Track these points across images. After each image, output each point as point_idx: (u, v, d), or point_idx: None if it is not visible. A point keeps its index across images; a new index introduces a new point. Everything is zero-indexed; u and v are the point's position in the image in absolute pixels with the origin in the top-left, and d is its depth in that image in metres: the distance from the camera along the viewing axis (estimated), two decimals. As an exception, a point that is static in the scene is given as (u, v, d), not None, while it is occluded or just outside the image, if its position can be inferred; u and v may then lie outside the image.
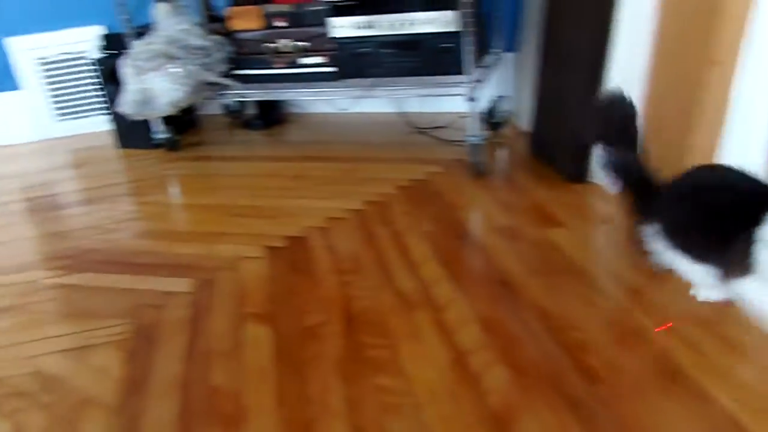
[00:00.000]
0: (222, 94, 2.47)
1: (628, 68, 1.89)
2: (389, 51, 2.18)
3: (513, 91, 2.60)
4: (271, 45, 2.32)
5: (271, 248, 1.83)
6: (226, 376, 1.34)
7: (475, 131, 2.08)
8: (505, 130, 2.54)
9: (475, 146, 2.09)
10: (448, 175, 2.18)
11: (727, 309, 1.36)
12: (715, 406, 1.12)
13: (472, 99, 2.06)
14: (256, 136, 2.82)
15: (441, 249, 1.73)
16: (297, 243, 1.84)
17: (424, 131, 2.59)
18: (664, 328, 1.35)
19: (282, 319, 1.50)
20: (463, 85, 2.07)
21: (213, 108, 3.10)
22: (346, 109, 2.86)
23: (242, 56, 2.41)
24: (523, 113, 2.47)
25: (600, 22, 1.86)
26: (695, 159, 1.69)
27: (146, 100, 2.31)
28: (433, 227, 1.84)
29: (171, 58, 2.30)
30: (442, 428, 1.14)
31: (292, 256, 1.78)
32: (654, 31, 1.82)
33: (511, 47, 2.57)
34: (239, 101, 2.93)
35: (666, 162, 1.81)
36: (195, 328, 1.51)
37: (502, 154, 2.35)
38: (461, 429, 1.13)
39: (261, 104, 2.87)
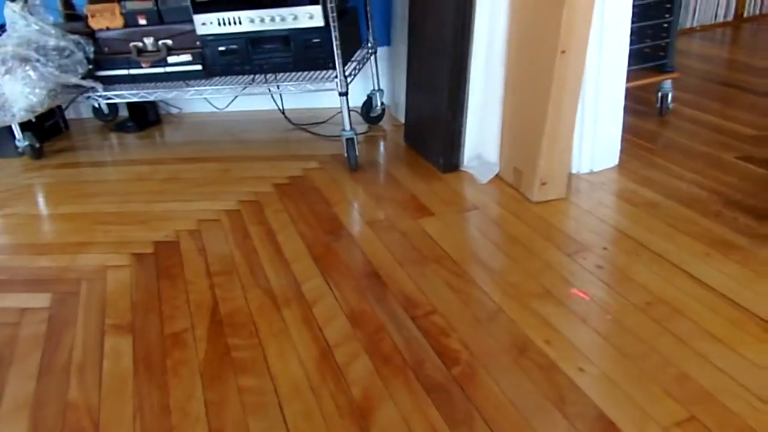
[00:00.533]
0: (87, 97, 2.35)
1: (488, 59, 1.96)
2: (258, 47, 2.15)
3: (389, 85, 2.63)
4: (135, 44, 2.23)
5: (139, 255, 1.76)
6: (82, 390, 1.27)
7: (348, 126, 2.09)
8: (382, 124, 2.56)
9: (349, 141, 2.10)
10: (325, 171, 2.18)
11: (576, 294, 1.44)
12: (561, 376, 1.19)
13: (344, 93, 2.06)
14: (128, 139, 2.70)
15: (314, 245, 1.72)
16: (166, 248, 1.78)
17: (303, 128, 2.58)
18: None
19: (145, 328, 1.45)
20: (334, 79, 2.07)
21: (82, 111, 2.95)
22: (222, 108, 2.80)
23: (105, 56, 2.30)
24: (399, 106, 2.51)
25: (459, 15, 1.91)
26: (550, 144, 1.78)
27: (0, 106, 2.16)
28: (308, 224, 1.84)
29: (25, 60, 2.16)
30: (304, 424, 1.14)
31: (160, 262, 1.72)
32: (509, 23, 1.90)
33: (384, 41, 2.60)
34: (109, 104, 2.80)
35: (524, 147, 1.90)
36: (51, 344, 1.43)
37: (378, 148, 2.37)
38: (323, 423, 1.13)
39: (132, 106, 2.75)
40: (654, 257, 1.54)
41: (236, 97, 2.78)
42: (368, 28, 2.42)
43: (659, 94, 2.38)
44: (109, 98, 2.34)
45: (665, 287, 1.42)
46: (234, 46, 2.16)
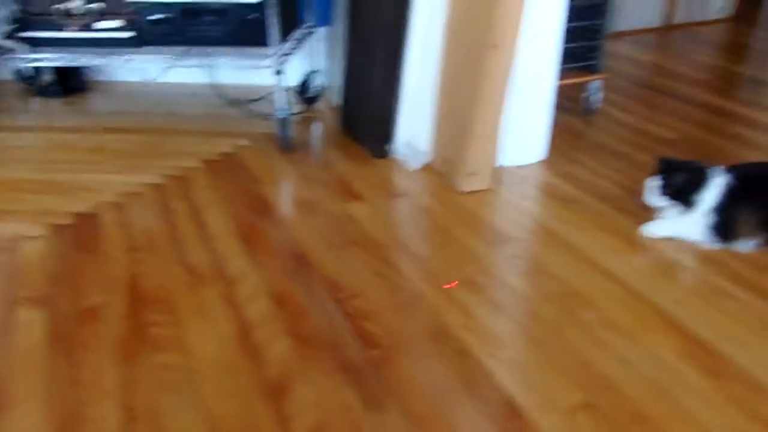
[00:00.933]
0: (8, 59, 2.23)
1: (424, 49, 1.98)
2: (193, 19, 2.10)
3: (326, 66, 2.62)
4: (62, 6, 2.13)
5: (57, 226, 1.70)
6: (-12, 365, 1.23)
7: (282, 105, 2.08)
8: (319, 105, 2.56)
9: (283, 120, 2.09)
10: (257, 150, 2.16)
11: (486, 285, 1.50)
12: (473, 361, 1.23)
13: (279, 72, 2.04)
14: (52, 104, 2.59)
15: (240, 223, 1.71)
16: (86, 220, 1.73)
17: (237, 104, 2.54)
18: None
19: (60, 301, 1.41)
20: (269, 57, 2.05)
21: (3, 73, 2.80)
22: (154, 78, 2.72)
23: (30, 17, 2.19)
24: (336, 88, 2.50)
25: (398, 3, 1.92)
26: (478, 136, 1.82)
27: None
28: (235, 201, 1.82)
29: (-61, 13, 2.03)
30: (218, 401, 1.14)
31: (79, 234, 1.67)
32: (446, 15, 1.92)
33: (324, 21, 2.58)
34: (33, 66, 2.67)
35: (454, 137, 1.94)
36: (-43, 316, 1.37)
37: (313, 129, 2.37)
38: (237, 401, 1.14)
39: (58, 70, 2.64)
40: (568, 249, 1.61)
41: (169, 68, 2.71)
42: (308, 7, 2.40)
43: (586, 94, 2.47)
44: (34, 61, 2.24)
45: (576, 278, 1.49)
46: (168, 16, 2.10)
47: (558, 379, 1.19)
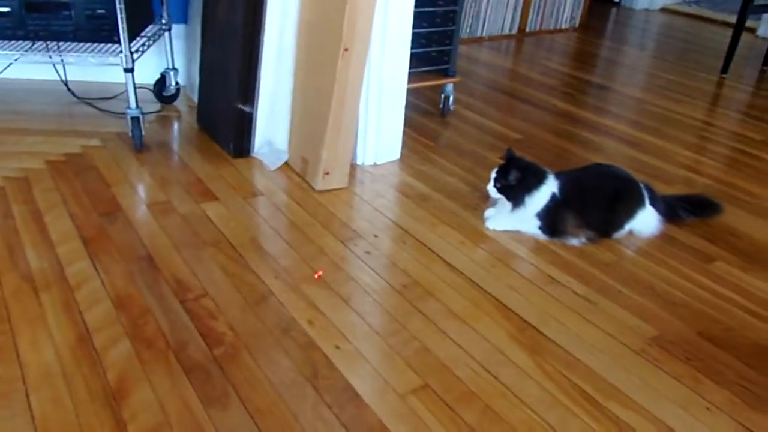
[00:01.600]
0: None
1: (280, 49, 2.00)
2: (34, 12, 1.98)
3: (185, 64, 2.57)
4: None
5: None
6: None
7: (133, 104, 2.01)
8: (177, 104, 2.50)
9: (134, 119, 2.03)
10: (107, 150, 2.08)
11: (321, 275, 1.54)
12: (318, 354, 1.27)
13: (128, 70, 1.98)
14: None
15: (85, 227, 1.65)
16: None
17: (87, 102, 2.42)
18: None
19: None
20: (118, 54, 1.98)
21: None
22: (-4, 74, 2.53)
23: None
24: (194, 87, 2.46)
25: (249, 4, 1.92)
26: (333, 136, 1.87)
27: None
28: (81, 204, 1.75)
29: None
30: (52, 411, 1.10)
31: None
32: (299, 17, 1.95)
33: (179, 19, 2.53)
34: None
35: (310, 137, 1.97)
36: None
37: (170, 129, 2.31)
38: (72, 409, 1.10)
39: None
40: (417, 245, 1.69)
41: (10, 64, 2.54)
42: (162, 4, 2.34)
43: (442, 96, 2.59)
44: None
45: (423, 272, 1.57)
46: (6, 9, 1.97)
47: (397, 365, 1.26)
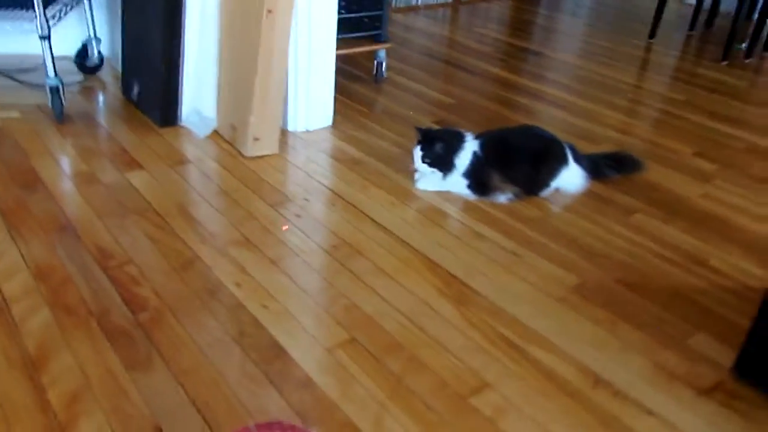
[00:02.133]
0: None
1: (203, 15, 1.95)
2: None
3: (108, 34, 2.48)
4: None
5: None
6: None
7: (52, 73, 1.94)
8: (102, 75, 2.42)
9: (53, 89, 1.95)
10: (26, 122, 2.00)
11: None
12: (245, 314, 1.27)
13: (44, 37, 1.90)
14: None
15: (2, 199, 1.59)
16: None
17: (4, 74, 2.32)
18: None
19: None
20: (32, 21, 1.89)
21: None
22: None
23: None
24: (119, 57, 2.38)
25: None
26: (261, 101, 1.84)
27: None
28: (-2, 177, 1.68)
29: None
30: (-35, 381, 1.07)
31: None
32: (221, -21, 1.91)
33: (103, -14, 2.44)
34: None
35: (238, 103, 1.95)
36: None
37: (94, 99, 2.24)
38: (-13, 378, 1.08)
39: None
40: (347, 207, 1.69)
41: None
42: (81, -30, 2.25)
43: (375, 63, 2.58)
44: None
45: (352, 232, 1.58)
46: None
47: (324, 321, 1.27)
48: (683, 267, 1.54)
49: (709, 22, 3.91)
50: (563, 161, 1.81)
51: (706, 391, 1.17)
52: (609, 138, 2.26)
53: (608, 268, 1.52)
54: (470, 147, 1.75)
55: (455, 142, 1.75)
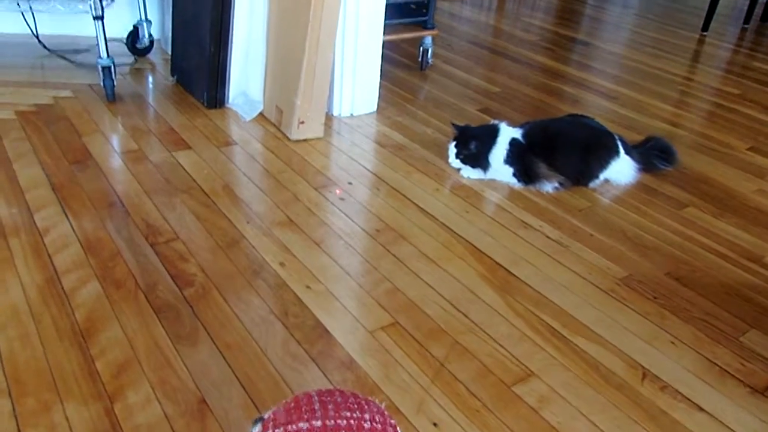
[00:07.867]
0: None
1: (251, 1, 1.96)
2: (-3, -43, 1.93)
3: (159, 16, 2.51)
4: None
5: None
6: None
7: (104, 54, 1.97)
8: (152, 56, 2.45)
9: (105, 69, 1.99)
10: (79, 101, 2.04)
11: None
12: (288, 293, 1.27)
13: (97, 18, 1.93)
14: None
15: (55, 174, 1.62)
16: None
17: (59, 54, 2.37)
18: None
19: None
20: (85, 2, 1.93)
21: None
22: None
23: None
24: (169, 39, 2.41)
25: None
26: (308, 83, 1.84)
27: None
28: (51, 153, 1.72)
29: None
30: (20, 348, 1.09)
31: None
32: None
33: (154, -31, 2.47)
34: None
35: (285, 86, 1.95)
36: None
37: (144, 81, 2.27)
38: (40, 346, 1.10)
39: None
40: (391, 191, 1.69)
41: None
42: (134, -47, 2.28)
43: (421, 50, 2.56)
44: None
45: (396, 217, 1.57)
46: (-34, -47, 1.91)
47: (367, 304, 1.27)
48: (736, 263, 1.49)
49: (765, 16, 3.78)
50: (614, 152, 1.77)
51: (761, 390, 1.13)
52: (658, 129, 2.20)
53: (657, 261, 1.48)
54: (506, 137, 1.73)
55: (487, 138, 1.74)
